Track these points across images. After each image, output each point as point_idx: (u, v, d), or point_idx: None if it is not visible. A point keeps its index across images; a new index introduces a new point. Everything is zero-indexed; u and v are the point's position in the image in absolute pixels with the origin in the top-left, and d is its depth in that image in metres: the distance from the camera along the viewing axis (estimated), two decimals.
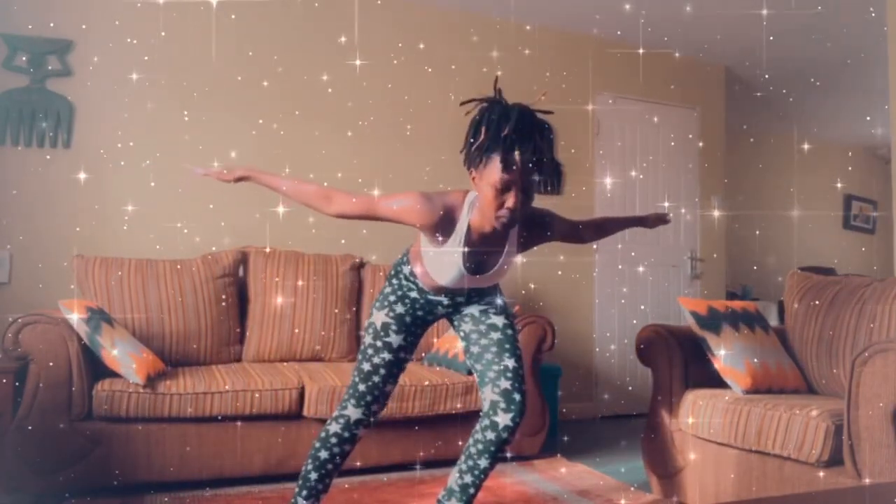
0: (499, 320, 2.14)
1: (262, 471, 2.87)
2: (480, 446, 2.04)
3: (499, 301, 2.19)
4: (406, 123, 4.18)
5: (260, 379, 2.90)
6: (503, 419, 2.02)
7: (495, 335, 2.11)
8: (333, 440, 2.11)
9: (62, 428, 2.61)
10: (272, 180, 2.06)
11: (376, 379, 2.11)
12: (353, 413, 2.11)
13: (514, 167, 1.80)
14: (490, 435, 2.03)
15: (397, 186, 3.91)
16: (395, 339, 2.12)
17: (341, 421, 2.12)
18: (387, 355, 2.11)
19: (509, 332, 2.13)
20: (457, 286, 2.07)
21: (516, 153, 1.79)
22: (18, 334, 2.59)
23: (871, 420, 2.00)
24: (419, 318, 2.17)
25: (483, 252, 2.01)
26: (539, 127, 1.84)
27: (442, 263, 2.01)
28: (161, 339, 3.17)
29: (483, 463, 2.04)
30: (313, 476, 2.11)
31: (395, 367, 2.13)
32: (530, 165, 1.81)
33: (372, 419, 2.14)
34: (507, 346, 2.10)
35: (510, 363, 2.07)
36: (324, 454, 2.11)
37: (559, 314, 4.40)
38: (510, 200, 1.83)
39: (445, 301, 2.15)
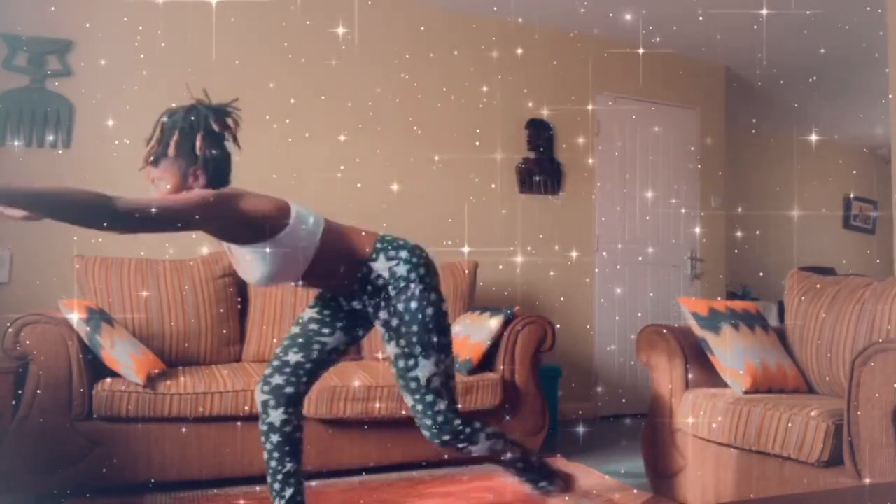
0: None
1: (262, 471, 2.85)
2: None
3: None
4: (407, 124, 4.18)
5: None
6: None
7: None
8: None
9: (62, 428, 2.61)
10: None
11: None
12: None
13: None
14: None
15: (398, 186, 3.98)
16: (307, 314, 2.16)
17: None
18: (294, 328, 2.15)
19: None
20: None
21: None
22: (18, 334, 2.59)
23: (871, 420, 2.00)
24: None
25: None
26: None
27: None
28: (161, 339, 3.17)
29: None
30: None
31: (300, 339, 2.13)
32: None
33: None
34: None
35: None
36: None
37: (559, 314, 4.40)
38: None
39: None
